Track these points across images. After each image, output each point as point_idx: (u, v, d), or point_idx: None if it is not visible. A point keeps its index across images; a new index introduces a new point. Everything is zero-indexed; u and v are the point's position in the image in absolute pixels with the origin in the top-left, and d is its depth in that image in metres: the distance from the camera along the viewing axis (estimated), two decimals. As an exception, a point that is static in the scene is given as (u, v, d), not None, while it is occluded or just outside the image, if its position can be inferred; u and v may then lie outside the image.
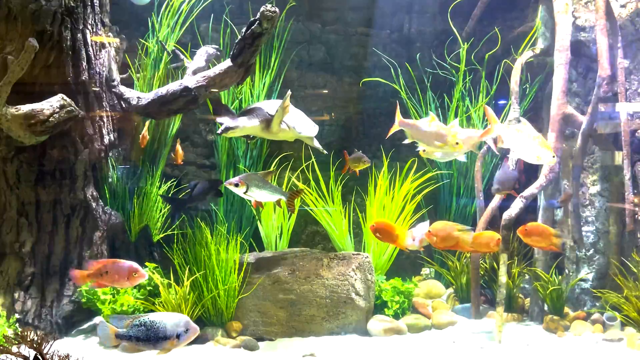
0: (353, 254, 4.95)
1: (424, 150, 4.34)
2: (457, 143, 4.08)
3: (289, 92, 4.32)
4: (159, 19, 5.39)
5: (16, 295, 4.39)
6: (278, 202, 4.41)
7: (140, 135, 5.08)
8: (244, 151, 5.76)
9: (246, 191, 4.06)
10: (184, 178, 5.86)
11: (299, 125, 4.73)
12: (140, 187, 5.16)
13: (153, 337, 3.19)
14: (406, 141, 4.30)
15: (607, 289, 5.05)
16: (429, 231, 4.24)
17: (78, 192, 4.60)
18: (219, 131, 4.44)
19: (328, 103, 6.35)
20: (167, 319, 3.23)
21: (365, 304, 4.80)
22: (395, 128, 4.30)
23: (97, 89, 4.71)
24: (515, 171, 4.86)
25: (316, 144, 4.98)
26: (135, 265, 3.58)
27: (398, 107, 4.33)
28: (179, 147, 5.27)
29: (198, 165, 6.11)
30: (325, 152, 5.00)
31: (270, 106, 4.57)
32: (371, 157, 6.15)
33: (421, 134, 4.19)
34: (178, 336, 3.20)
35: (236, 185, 4.03)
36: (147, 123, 5.19)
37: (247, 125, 4.51)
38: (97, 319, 3.44)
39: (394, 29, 6.55)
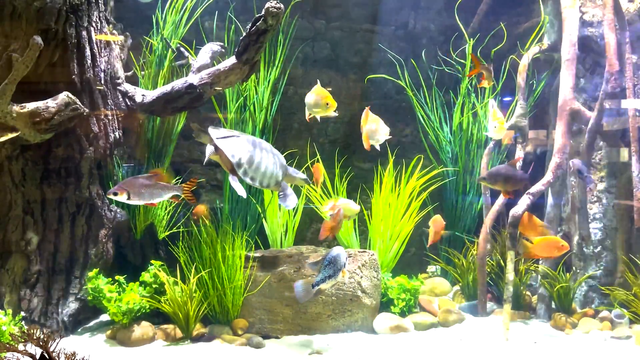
0: (359, 252, 4.94)
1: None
2: (327, 104, 4.26)
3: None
4: (163, 16, 5.38)
5: (22, 293, 4.39)
6: (175, 198, 4.32)
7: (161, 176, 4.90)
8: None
9: (129, 197, 3.99)
10: (189, 176, 5.85)
11: None
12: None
13: (337, 270, 3.67)
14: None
15: (615, 286, 5.02)
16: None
17: (83, 190, 4.59)
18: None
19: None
20: (340, 252, 3.74)
21: (371, 301, 4.78)
22: None
23: (102, 87, 4.70)
24: (512, 168, 4.76)
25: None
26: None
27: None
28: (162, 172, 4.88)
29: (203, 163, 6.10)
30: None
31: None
32: (376, 154, 6.16)
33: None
34: (344, 265, 3.71)
35: (115, 194, 3.97)
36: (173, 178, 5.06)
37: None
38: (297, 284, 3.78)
39: (399, 25, 6.52)
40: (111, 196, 4.03)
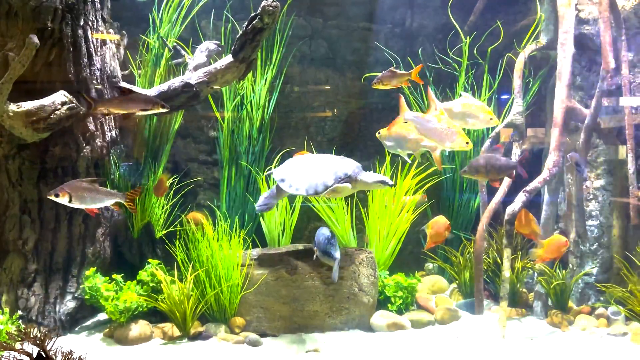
0: (356, 250, 4.95)
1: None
2: (467, 143, 4.01)
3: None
4: (159, 15, 5.38)
5: (19, 292, 4.39)
6: (118, 205, 4.29)
7: (161, 189, 5.02)
8: (245, 147, 5.75)
9: (70, 200, 3.97)
10: (186, 175, 5.86)
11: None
12: (142, 183, 5.16)
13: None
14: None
15: (611, 283, 5.03)
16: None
17: (80, 189, 4.59)
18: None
19: (330, 98, 6.33)
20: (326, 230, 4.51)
21: (369, 299, 4.79)
22: (399, 121, 4.25)
23: (99, 86, 4.70)
24: (493, 156, 4.59)
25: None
26: None
27: (402, 99, 4.27)
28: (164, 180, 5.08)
29: (200, 162, 6.11)
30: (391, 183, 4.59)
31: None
32: (373, 152, 6.17)
33: (430, 131, 4.09)
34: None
35: (56, 195, 3.94)
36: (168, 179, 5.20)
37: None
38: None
39: (396, 23, 6.53)
40: (52, 197, 3.97)
